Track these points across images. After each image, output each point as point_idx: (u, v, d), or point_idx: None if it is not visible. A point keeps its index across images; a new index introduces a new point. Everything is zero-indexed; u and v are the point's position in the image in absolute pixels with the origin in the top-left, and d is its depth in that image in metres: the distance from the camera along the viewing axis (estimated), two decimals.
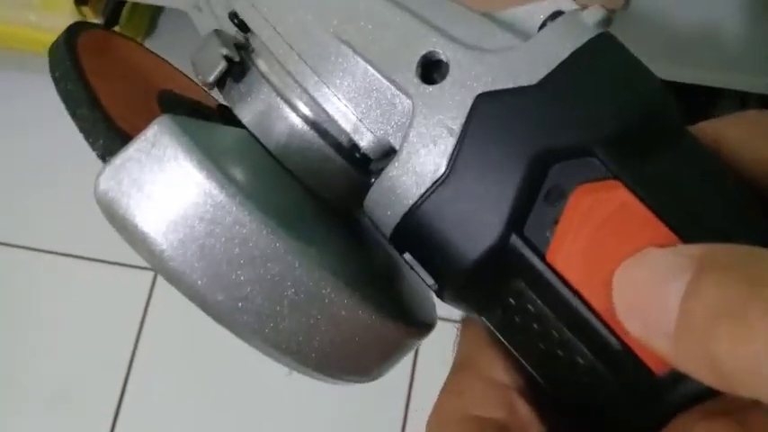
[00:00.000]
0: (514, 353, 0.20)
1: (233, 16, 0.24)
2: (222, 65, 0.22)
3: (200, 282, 0.19)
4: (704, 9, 0.70)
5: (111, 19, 1.07)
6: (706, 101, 0.96)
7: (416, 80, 0.20)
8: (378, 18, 0.21)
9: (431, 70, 0.20)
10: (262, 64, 0.23)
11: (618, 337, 0.17)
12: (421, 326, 0.23)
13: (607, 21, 0.20)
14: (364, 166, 0.22)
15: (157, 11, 1.16)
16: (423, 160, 0.19)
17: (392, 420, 0.95)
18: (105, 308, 1.06)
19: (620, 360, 0.18)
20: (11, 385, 1.03)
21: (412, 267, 0.21)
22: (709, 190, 0.19)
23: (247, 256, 0.19)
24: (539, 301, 0.19)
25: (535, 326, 0.19)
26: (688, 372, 0.15)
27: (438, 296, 0.21)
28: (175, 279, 0.20)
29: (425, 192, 0.19)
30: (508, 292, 0.19)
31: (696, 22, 0.70)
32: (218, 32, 0.23)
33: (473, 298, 0.21)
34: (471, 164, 0.19)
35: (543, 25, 0.21)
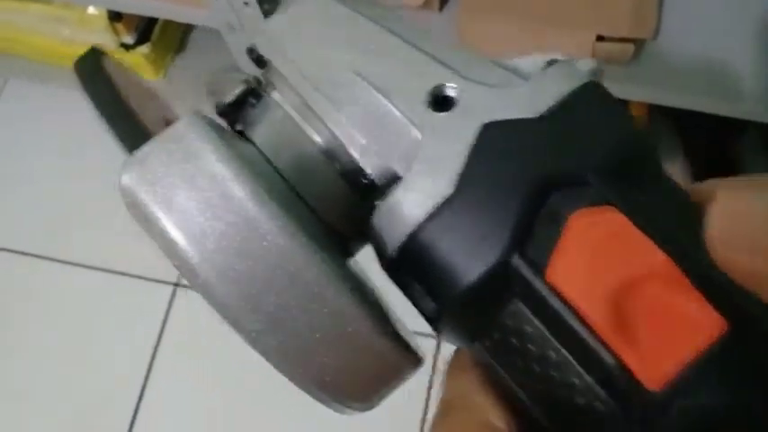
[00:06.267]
0: (509, 382, 0.21)
1: (250, 51, 0.25)
2: (241, 87, 0.24)
3: (213, 277, 0.19)
4: (730, 42, 0.70)
5: (144, 35, 1.09)
6: (732, 134, 0.95)
7: (426, 108, 0.21)
8: (392, 53, 0.23)
9: (440, 101, 0.22)
10: (276, 94, 0.24)
11: (613, 354, 0.18)
12: (417, 356, 0.23)
13: (597, 71, 0.22)
14: (368, 193, 0.23)
15: (188, 28, 1.18)
16: (429, 181, 0.20)
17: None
18: (123, 322, 1.06)
19: (616, 377, 0.18)
20: (25, 401, 1.04)
21: (412, 299, 0.21)
22: (681, 223, 0.20)
23: (261, 253, 0.19)
24: (536, 321, 0.19)
25: (531, 347, 0.20)
26: None
27: (434, 328, 0.22)
28: (188, 273, 0.20)
29: (431, 211, 0.20)
30: (506, 313, 0.20)
31: (722, 54, 0.70)
32: (233, 67, 0.25)
33: (471, 321, 0.21)
34: (476, 186, 0.20)
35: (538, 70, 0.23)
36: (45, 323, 1.08)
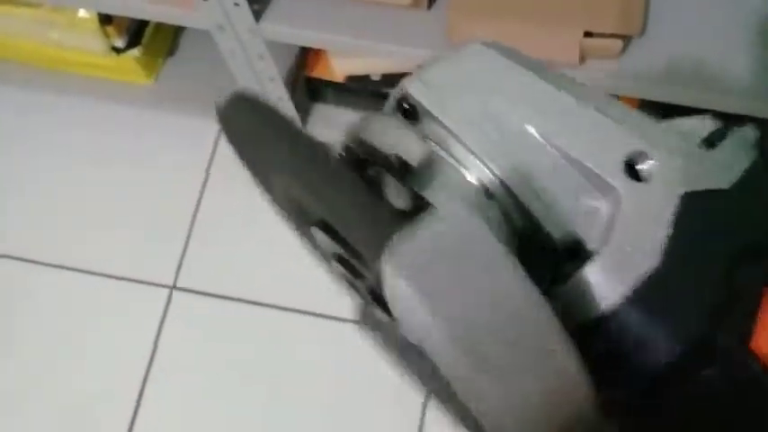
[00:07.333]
0: None
1: (402, 99, 0.23)
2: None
3: (470, 367, 0.18)
4: (717, 37, 0.70)
5: (134, 39, 1.09)
6: None
7: (624, 176, 0.21)
8: (577, 118, 0.22)
9: (634, 169, 0.21)
10: (437, 148, 0.23)
11: None
12: None
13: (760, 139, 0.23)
14: (544, 253, 0.22)
15: (180, 31, 1.18)
16: (633, 253, 0.20)
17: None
18: (120, 325, 1.06)
19: None
20: (23, 400, 1.04)
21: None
22: None
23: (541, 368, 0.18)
24: (730, 390, 0.20)
25: (722, 416, 0.20)
26: None
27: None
28: (454, 380, 0.18)
29: (635, 285, 0.20)
30: (694, 383, 0.20)
31: (710, 48, 0.70)
32: (377, 115, 0.23)
33: (652, 392, 0.21)
34: (681, 259, 0.20)
35: (709, 138, 0.23)
36: (42, 327, 1.07)
